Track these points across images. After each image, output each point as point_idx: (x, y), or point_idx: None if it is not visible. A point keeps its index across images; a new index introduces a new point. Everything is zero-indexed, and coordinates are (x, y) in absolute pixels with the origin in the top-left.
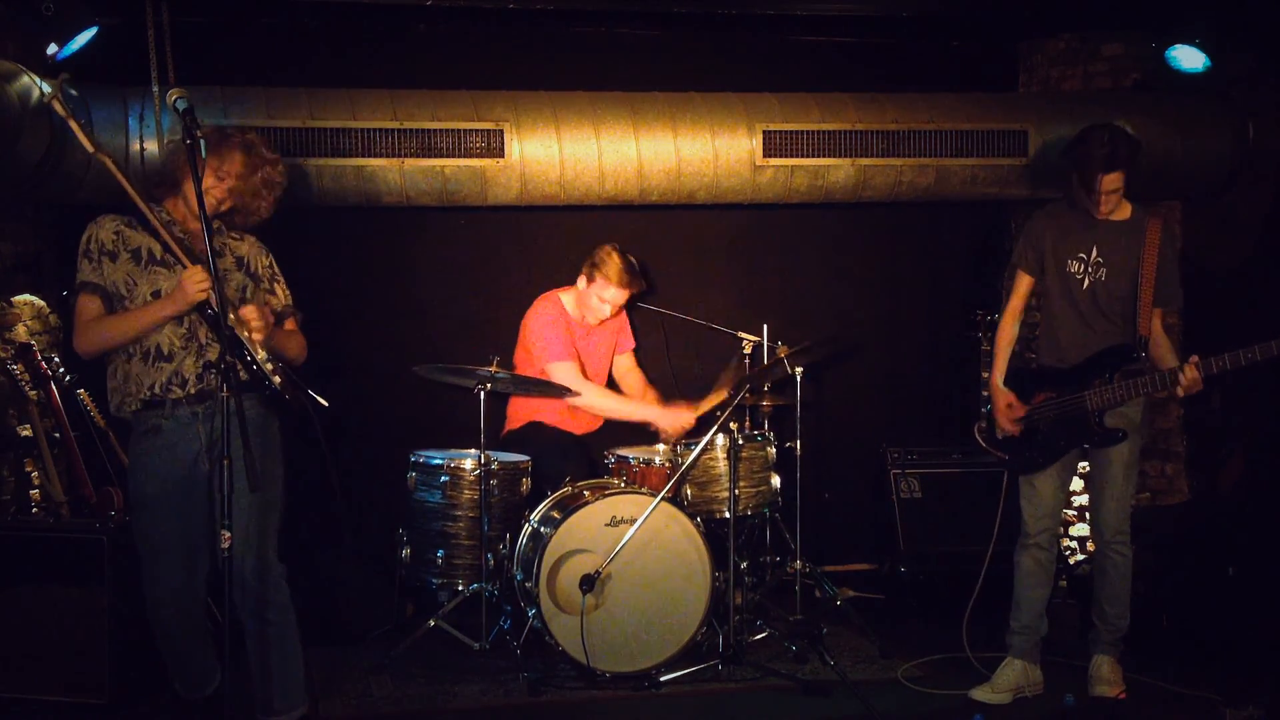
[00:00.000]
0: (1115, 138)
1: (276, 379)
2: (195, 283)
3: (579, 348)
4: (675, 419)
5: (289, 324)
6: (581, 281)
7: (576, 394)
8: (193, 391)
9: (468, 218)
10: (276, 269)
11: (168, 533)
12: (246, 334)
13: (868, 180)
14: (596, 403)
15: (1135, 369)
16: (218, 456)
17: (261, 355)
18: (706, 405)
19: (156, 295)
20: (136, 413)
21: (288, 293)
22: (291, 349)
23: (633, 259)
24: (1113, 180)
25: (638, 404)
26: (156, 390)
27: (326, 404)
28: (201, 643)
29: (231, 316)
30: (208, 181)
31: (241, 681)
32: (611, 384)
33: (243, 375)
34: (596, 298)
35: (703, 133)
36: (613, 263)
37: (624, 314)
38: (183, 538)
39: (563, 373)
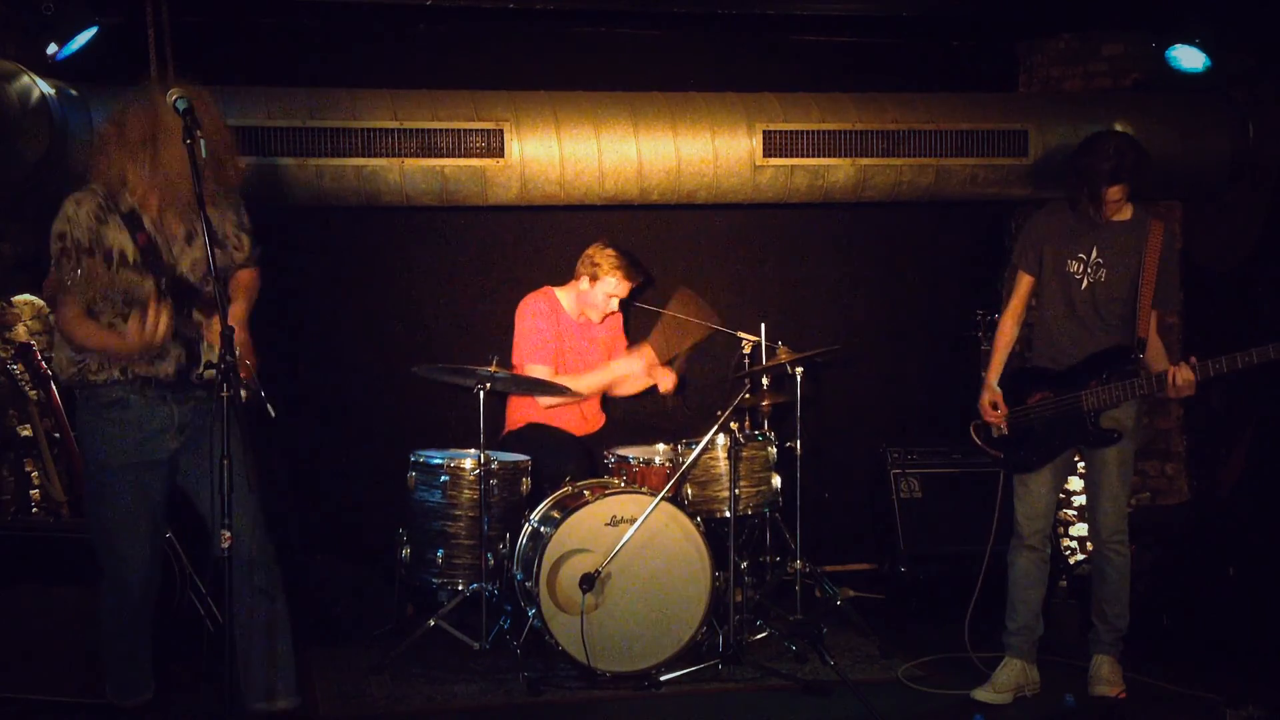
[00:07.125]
0: (1122, 150)
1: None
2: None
3: (571, 346)
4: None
5: (241, 276)
6: (584, 282)
7: (567, 391)
8: (162, 375)
9: (467, 218)
10: (245, 219)
11: (134, 505)
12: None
13: (868, 180)
14: (575, 386)
15: (1131, 370)
16: (190, 443)
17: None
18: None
19: (126, 301)
20: (100, 384)
21: (250, 243)
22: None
23: (625, 250)
24: (1116, 192)
25: (611, 363)
26: (131, 371)
27: (274, 414)
28: (146, 643)
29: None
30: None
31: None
32: None
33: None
34: (602, 295)
35: (703, 133)
36: (612, 259)
37: (620, 316)
38: (148, 514)
39: (537, 375)
